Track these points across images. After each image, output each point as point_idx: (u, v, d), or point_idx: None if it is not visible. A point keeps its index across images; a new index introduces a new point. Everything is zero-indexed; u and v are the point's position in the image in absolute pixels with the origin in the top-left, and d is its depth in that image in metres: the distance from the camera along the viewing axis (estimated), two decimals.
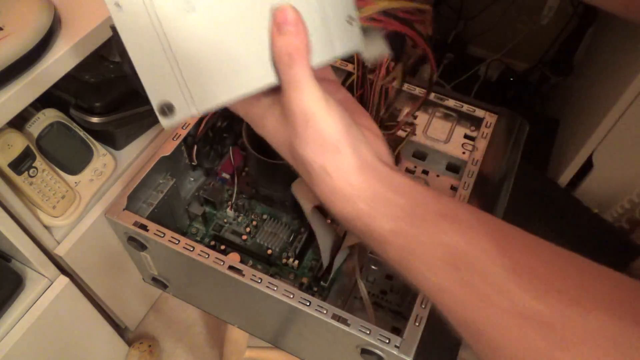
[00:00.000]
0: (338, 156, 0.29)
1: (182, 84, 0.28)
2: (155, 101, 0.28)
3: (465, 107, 0.62)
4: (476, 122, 0.62)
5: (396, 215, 0.28)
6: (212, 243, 0.61)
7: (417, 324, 0.42)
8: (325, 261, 0.56)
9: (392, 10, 0.35)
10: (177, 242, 0.50)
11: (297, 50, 0.29)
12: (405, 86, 0.63)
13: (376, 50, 0.35)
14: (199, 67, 0.28)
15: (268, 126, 0.33)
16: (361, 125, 0.32)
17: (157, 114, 0.28)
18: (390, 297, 0.55)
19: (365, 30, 0.32)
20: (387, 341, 0.41)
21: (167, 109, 0.28)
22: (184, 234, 0.62)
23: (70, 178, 0.74)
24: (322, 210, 0.58)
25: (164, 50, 0.27)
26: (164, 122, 0.28)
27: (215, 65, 0.28)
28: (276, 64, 0.30)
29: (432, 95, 0.63)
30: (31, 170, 0.66)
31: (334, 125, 0.29)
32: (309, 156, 0.30)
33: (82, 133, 0.75)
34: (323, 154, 0.29)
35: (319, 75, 0.30)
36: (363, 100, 0.63)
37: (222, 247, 0.60)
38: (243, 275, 0.47)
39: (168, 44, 0.27)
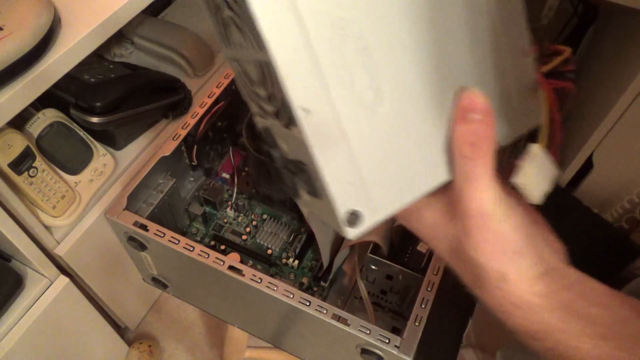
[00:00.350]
0: (520, 261, 0.26)
1: (366, 189, 0.26)
2: (342, 210, 0.25)
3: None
4: None
5: (598, 333, 0.24)
6: (212, 243, 0.61)
7: (417, 324, 0.42)
8: (325, 261, 0.56)
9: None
10: (177, 242, 0.50)
11: (483, 141, 0.25)
12: None
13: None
14: (381, 169, 0.26)
15: (426, 220, 0.29)
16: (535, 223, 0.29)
17: (343, 224, 0.26)
18: (390, 297, 0.55)
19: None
20: (387, 341, 0.41)
21: (354, 218, 0.26)
22: (184, 234, 0.62)
23: (70, 178, 0.74)
24: None
25: (349, 155, 0.25)
26: (351, 232, 0.26)
27: (396, 165, 0.26)
28: (454, 155, 0.26)
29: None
30: (31, 170, 0.66)
31: (517, 228, 0.26)
32: (483, 260, 0.26)
33: (82, 133, 0.75)
34: (501, 259, 0.26)
35: None
36: None
37: (222, 247, 0.60)
38: (243, 275, 0.47)
39: (349, 146, 0.25)
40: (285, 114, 0.24)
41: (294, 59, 0.22)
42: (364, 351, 0.43)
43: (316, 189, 0.26)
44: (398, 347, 0.41)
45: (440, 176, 0.27)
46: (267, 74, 0.24)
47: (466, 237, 0.26)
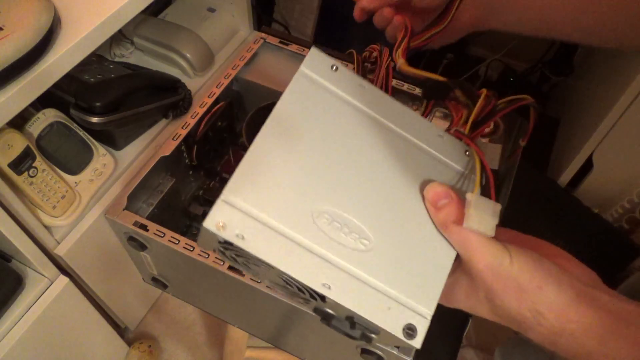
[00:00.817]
0: (543, 292, 0.28)
1: (404, 305, 0.31)
2: (398, 333, 0.30)
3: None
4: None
5: (636, 355, 0.26)
6: None
7: None
8: None
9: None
10: (177, 242, 0.50)
11: (459, 217, 0.30)
12: (405, 86, 0.63)
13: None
14: (405, 282, 0.31)
15: (460, 296, 0.33)
16: (547, 256, 0.31)
17: (407, 342, 0.30)
18: None
19: None
20: None
21: (411, 331, 0.30)
22: (184, 234, 0.62)
23: (70, 178, 0.74)
24: None
25: (375, 291, 0.31)
26: (417, 343, 0.30)
27: (414, 271, 0.31)
28: (447, 236, 0.32)
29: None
30: (31, 170, 0.66)
31: (525, 265, 0.29)
32: (514, 305, 0.29)
33: (82, 133, 0.75)
34: (527, 297, 0.28)
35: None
36: None
37: None
38: (243, 275, 0.47)
39: (373, 285, 0.31)
40: (316, 294, 0.30)
41: (292, 258, 0.29)
42: (364, 351, 0.43)
43: (373, 328, 0.31)
44: (398, 347, 0.41)
45: (449, 254, 0.32)
46: (286, 278, 0.30)
47: (492, 295, 0.30)
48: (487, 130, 0.40)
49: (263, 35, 0.68)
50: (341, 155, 0.32)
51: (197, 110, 0.60)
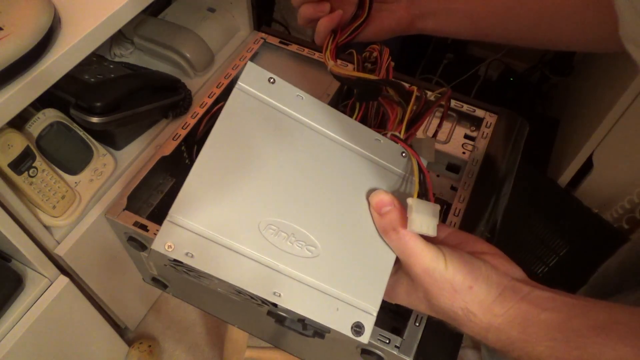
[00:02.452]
0: (473, 292, 0.31)
1: (351, 304, 0.33)
2: (346, 331, 0.32)
3: (465, 107, 0.62)
4: (476, 122, 0.62)
5: (551, 336, 0.28)
6: None
7: (417, 324, 0.42)
8: None
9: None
10: None
11: (401, 223, 0.33)
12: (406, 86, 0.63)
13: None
14: (351, 284, 0.33)
15: (401, 294, 0.35)
16: (478, 253, 0.34)
17: (353, 336, 0.33)
18: None
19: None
20: (387, 341, 0.41)
21: (359, 328, 0.33)
22: None
23: (70, 178, 0.74)
24: None
25: (322, 293, 0.32)
26: (364, 338, 0.33)
27: (358, 272, 0.33)
28: (388, 242, 0.34)
29: (432, 96, 0.63)
30: (31, 170, 0.66)
31: (458, 267, 0.31)
32: (448, 304, 0.31)
33: (82, 133, 0.75)
34: (459, 297, 0.31)
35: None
36: None
37: None
38: None
39: (321, 289, 0.33)
40: (266, 301, 0.32)
41: (242, 271, 0.31)
42: (364, 351, 0.43)
43: (324, 328, 0.33)
44: (398, 347, 0.41)
45: (390, 257, 0.34)
46: (237, 289, 0.32)
47: (429, 295, 0.32)
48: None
49: (263, 35, 0.68)
50: (284, 166, 0.33)
51: (197, 110, 0.60)
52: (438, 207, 0.33)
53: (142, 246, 0.53)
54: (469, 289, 0.31)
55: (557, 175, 1.18)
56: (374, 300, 0.33)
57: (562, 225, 1.11)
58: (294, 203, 0.33)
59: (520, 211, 1.14)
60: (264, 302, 0.33)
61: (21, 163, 0.64)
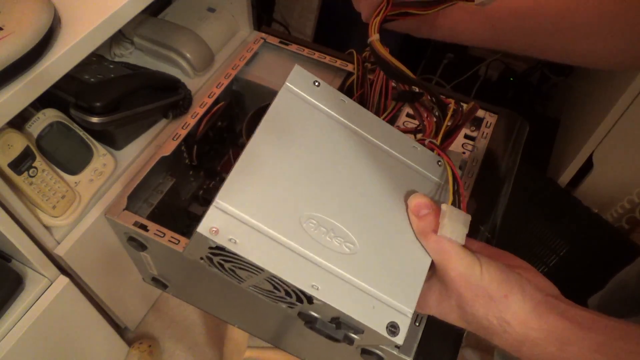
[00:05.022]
0: (509, 301, 0.30)
1: (387, 304, 0.33)
2: (381, 331, 0.32)
3: (466, 108, 0.62)
4: (476, 122, 0.62)
5: (592, 357, 0.28)
6: None
7: (417, 324, 0.42)
8: None
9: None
10: (177, 242, 0.50)
11: (437, 227, 0.33)
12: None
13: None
14: (386, 283, 0.33)
15: (432, 302, 0.35)
16: (511, 266, 0.33)
17: (390, 339, 0.32)
18: None
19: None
20: None
21: (394, 328, 0.32)
22: (184, 234, 0.62)
23: (70, 178, 0.74)
24: None
25: (360, 290, 0.32)
26: (399, 339, 0.32)
27: (395, 272, 0.34)
28: (425, 244, 0.34)
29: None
30: (31, 170, 0.66)
31: (494, 275, 0.31)
32: (482, 312, 0.31)
33: (82, 133, 0.75)
34: (494, 305, 0.31)
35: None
36: (363, 100, 0.63)
37: None
38: None
39: (357, 284, 0.33)
40: (303, 296, 0.32)
41: (282, 261, 0.31)
42: (364, 351, 0.43)
43: (358, 328, 0.33)
44: (398, 347, 0.41)
45: (425, 260, 0.34)
46: (275, 281, 0.32)
47: (462, 301, 0.32)
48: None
49: (263, 35, 0.68)
50: (326, 164, 0.34)
51: (197, 110, 0.60)
52: (469, 217, 0.34)
53: (142, 246, 0.53)
54: (504, 297, 0.30)
55: (557, 175, 1.18)
56: (410, 301, 0.33)
57: (562, 225, 1.11)
58: (334, 200, 0.34)
59: (520, 211, 1.14)
60: (299, 298, 0.33)
61: (21, 163, 0.64)
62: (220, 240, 0.30)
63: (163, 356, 1.07)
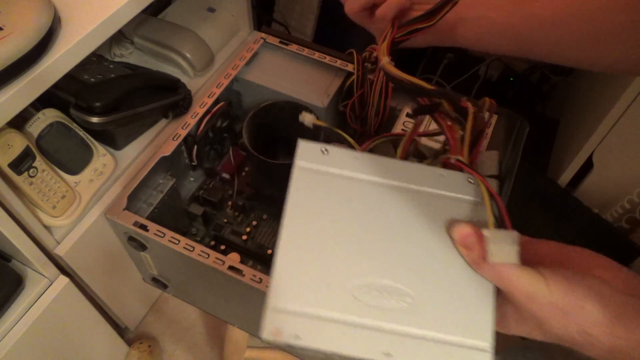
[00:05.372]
0: (586, 312, 0.28)
1: (463, 345, 0.32)
2: None
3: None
4: None
5: None
6: (212, 243, 0.61)
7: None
8: None
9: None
10: (177, 242, 0.50)
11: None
12: None
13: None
14: (455, 323, 0.32)
15: (512, 324, 0.33)
16: (586, 267, 0.31)
17: None
18: None
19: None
20: None
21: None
22: (184, 234, 0.62)
23: (70, 178, 0.74)
24: None
25: (434, 342, 0.32)
26: None
27: (463, 307, 0.33)
28: (481, 274, 0.33)
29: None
30: (31, 170, 0.66)
31: (562, 288, 0.29)
32: (561, 330, 0.29)
33: (82, 133, 0.75)
34: (572, 320, 0.29)
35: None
36: (363, 100, 0.63)
37: (222, 247, 0.60)
38: (243, 275, 0.47)
39: (429, 338, 0.32)
40: None
41: (349, 339, 0.31)
42: None
43: None
44: None
45: (488, 287, 0.33)
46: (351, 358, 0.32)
47: (539, 322, 0.30)
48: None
49: (263, 35, 0.68)
50: (359, 226, 0.34)
51: (197, 110, 0.60)
52: (516, 233, 0.32)
53: (142, 246, 0.53)
54: (580, 309, 0.28)
55: (557, 175, 1.18)
56: (484, 334, 0.32)
57: (562, 225, 1.11)
58: (377, 258, 0.33)
59: (520, 211, 1.14)
60: None
61: (21, 163, 0.64)
62: (285, 340, 0.31)
63: (163, 356, 1.07)
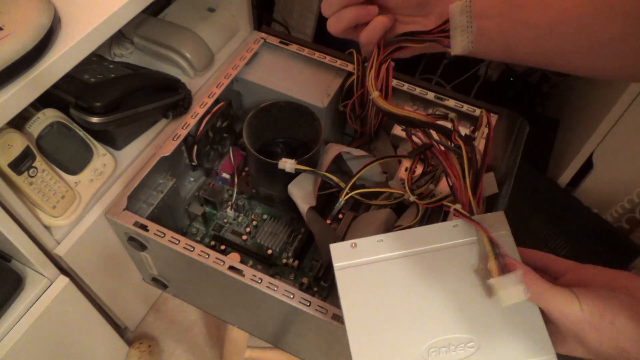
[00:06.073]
0: (616, 328, 0.30)
1: None
2: None
3: (465, 107, 0.62)
4: (476, 122, 0.62)
5: None
6: (212, 243, 0.61)
7: None
8: (325, 261, 0.56)
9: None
10: (177, 242, 0.50)
11: (535, 285, 0.33)
12: (406, 86, 0.63)
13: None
14: (520, 350, 0.35)
15: (557, 344, 0.35)
16: (616, 287, 0.33)
17: None
18: None
19: None
20: None
21: None
22: (184, 234, 0.62)
23: (70, 178, 0.74)
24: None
25: None
26: None
27: (519, 337, 0.36)
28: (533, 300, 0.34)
29: (432, 95, 0.63)
30: (31, 170, 0.66)
31: (593, 305, 0.31)
32: (597, 346, 0.31)
33: (82, 133, 0.75)
34: (605, 336, 0.30)
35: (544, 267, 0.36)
36: (363, 100, 0.63)
37: (222, 247, 0.60)
38: (243, 275, 0.47)
39: None
40: None
41: None
42: None
43: None
44: None
45: (532, 306, 0.36)
46: None
47: (577, 339, 0.32)
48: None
49: (263, 35, 0.68)
50: (405, 297, 0.38)
51: (197, 110, 0.60)
52: (519, 272, 0.35)
53: (142, 246, 0.53)
54: (611, 325, 0.30)
55: (557, 175, 1.18)
56: (546, 348, 0.35)
57: (562, 225, 1.11)
58: (433, 318, 0.37)
59: (520, 211, 1.14)
60: None
61: (21, 163, 0.64)
62: None
63: (163, 356, 1.07)
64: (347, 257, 0.39)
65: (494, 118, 0.60)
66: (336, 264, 0.39)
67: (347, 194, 0.52)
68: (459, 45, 0.40)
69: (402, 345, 0.36)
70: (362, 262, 0.39)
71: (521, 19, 0.38)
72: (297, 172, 0.55)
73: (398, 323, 0.37)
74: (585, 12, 0.35)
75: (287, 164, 0.53)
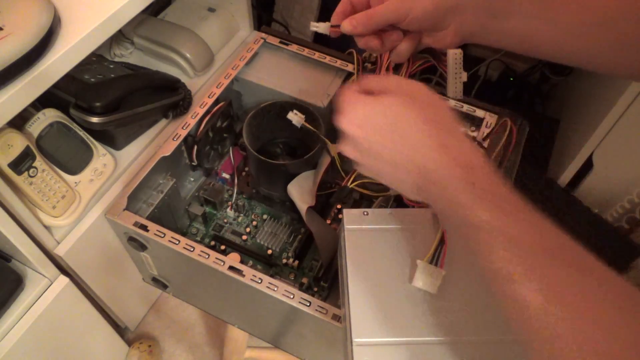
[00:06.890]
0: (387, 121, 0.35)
1: None
2: None
3: (465, 107, 0.62)
4: (476, 122, 0.62)
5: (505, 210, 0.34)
6: (212, 243, 0.61)
7: None
8: (325, 261, 0.56)
9: None
10: (177, 242, 0.50)
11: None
12: None
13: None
14: None
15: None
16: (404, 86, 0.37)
17: None
18: None
19: None
20: None
21: None
22: (184, 234, 0.62)
23: (70, 178, 0.74)
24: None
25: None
26: None
27: None
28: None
29: None
30: (31, 170, 0.66)
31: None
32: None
33: (82, 133, 0.75)
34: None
35: None
36: None
37: (222, 247, 0.60)
38: (243, 275, 0.47)
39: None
40: None
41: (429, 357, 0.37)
42: None
43: None
44: None
45: None
46: None
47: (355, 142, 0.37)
48: None
49: (263, 35, 0.68)
50: (405, 265, 0.40)
51: (197, 110, 0.60)
52: (442, 273, 0.38)
53: (142, 246, 0.53)
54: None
55: (557, 175, 1.18)
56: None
57: (562, 226, 1.10)
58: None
59: None
60: None
61: (21, 163, 0.64)
62: None
63: (163, 356, 1.07)
64: (357, 221, 0.43)
65: (493, 118, 0.61)
66: (346, 225, 0.42)
67: (353, 181, 0.53)
68: (451, 90, 0.50)
69: (396, 305, 0.38)
70: (371, 229, 0.42)
71: (551, 17, 0.39)
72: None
73: (395, 285, 0.39)
74: (614, 13, 0.36)
75: (295, 118, 0.55)
